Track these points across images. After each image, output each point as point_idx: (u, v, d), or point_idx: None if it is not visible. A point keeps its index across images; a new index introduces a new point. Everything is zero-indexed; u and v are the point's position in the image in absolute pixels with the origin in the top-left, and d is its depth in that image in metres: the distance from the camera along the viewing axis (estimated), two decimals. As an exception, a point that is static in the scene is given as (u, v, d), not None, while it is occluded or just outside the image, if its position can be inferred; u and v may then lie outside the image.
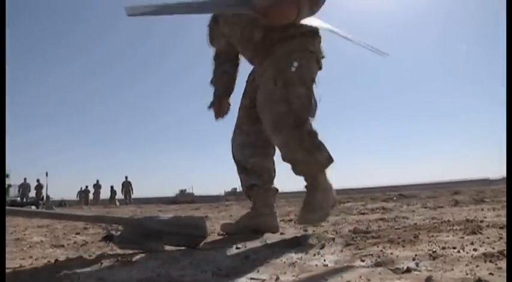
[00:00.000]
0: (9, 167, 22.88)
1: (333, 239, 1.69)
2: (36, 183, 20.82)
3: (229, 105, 2.35)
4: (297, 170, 1.93)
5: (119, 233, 1.72)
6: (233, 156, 2.24)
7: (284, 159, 1.92)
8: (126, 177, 21.57)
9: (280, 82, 1.86)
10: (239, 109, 2.25)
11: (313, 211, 1.86)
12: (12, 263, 1.46)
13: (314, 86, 1.97)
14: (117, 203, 19.78)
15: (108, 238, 1.73)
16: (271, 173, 2.18)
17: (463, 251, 1.26)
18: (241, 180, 2.24)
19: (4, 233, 1.23)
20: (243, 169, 2.19)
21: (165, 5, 1.78)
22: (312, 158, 1.86)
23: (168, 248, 1.65)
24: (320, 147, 1.87)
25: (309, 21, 1.90)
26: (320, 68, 2.03)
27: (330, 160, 1.90)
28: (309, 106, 1.91)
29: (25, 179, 20.82)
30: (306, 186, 1.96)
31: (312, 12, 1.88)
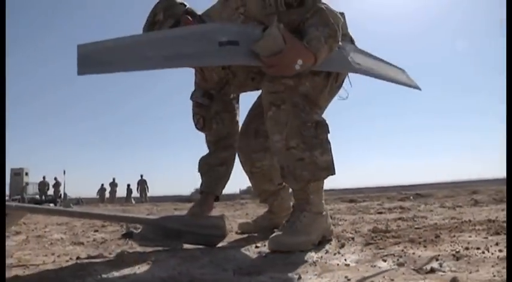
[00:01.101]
0: (28, 165, 23.37)
1: (353, 239, 1.67)
2: (54, 181, 21.16)
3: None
4: (284, 171, 1.59)
5: (139, 230, 1.74)
6: (241, 163, 2.08)
7: (274, 150, 1.62)
8: (142, 176, 21.79)
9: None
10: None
11: (294, 234, 1.48)
12: (36, 259, 1.49)
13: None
14: (133, 201, 19.96)
15: (127, 235, 1.75)
16: None
17: (488, 251, 1.24)
18: (252, 186, 2.19)
19: (4, 233, 1.24)
20: (250, 174, 2.08)
21: (131, 53, 1.27)
22: (308, 154, 1.52)
23: (187, 246, 1.66)
24: (324, 146, 1.56)
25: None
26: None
27: (329, 168, 1.56)
28: (323, 89, 1.63)
29: (44, 177, 21.21)
30: (292, 205, 1.67)
31: (331, 52, 1.50)
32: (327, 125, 1.59)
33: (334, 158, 1.58)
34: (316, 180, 1.57)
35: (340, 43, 1.52)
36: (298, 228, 1.50)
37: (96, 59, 1.20)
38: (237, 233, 2.15)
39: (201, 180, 1.97)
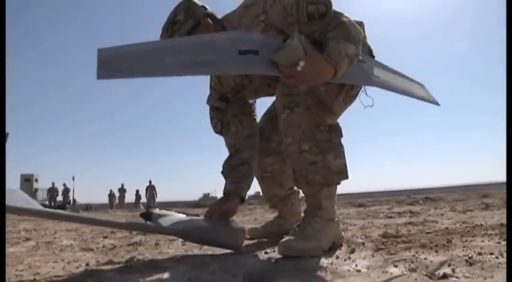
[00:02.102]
0: (37, 171, 23.58)
1: (363, 244, 1.66)
2: (63, 187, 21.31)
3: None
4: (296, 175, 1.59)
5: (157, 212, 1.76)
6: None
7: (287, 154, 1.62)
8: (150, 182, 21.87)
9: None
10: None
11: (305, 239, 1.46)
12: (46, 266, 1.49)
13: None
14: (142, 207, 20.02)
15: (146, 216, 1.74)
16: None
17: (502, 257, 1.22)
18: (262, 190, 2.17)
19: (4, 233, 1.24)
20: (260, 179, 2.06)
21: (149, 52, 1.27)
22: (321, 158, 1.51)
23: (196, 251, 1.66)
24: (337, 149, 1.54)
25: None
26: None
27: (342, 172, 1.55)
28: (337, 95, 1.62)
29: (53, 183, 21.38)
30: (304, 211, 1.65)
31: (351, 66, 1.44)
32: (340, 128, 1.59)
33: (347, 163, 1.57)
34: (328, 185, 1.56)
35: (360, 57, 1.49)
36: (309, 234, 1.49)
37: (115, 63, 1.20)
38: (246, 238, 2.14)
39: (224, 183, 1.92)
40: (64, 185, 21.45)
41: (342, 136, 1.58)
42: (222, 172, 1.92)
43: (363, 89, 1.71)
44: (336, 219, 1.63)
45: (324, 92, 1.55)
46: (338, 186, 1.62)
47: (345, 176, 1.56)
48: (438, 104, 1.95)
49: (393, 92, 1.68)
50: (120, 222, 1.75)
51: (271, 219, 2.22)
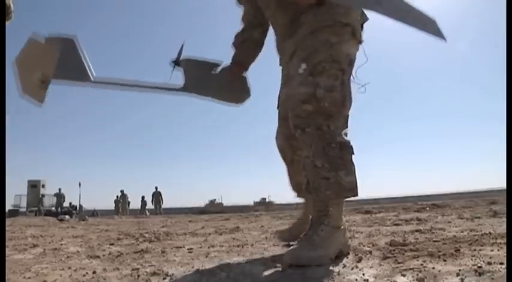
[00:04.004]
0: (44, 178, 23.69)
1: (370, 252, 1.64)
2: (57, 192, 21.48)
3: (245, 77, 2.22)
4: (309, 186, 1.61)
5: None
6: (279, 150, 2.04)
7: (303, 165, 1.65)
8: (156, 188, 21.91)
9: (306, 71, 1.59)
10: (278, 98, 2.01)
11: (312, 247, 1.47)
12: (53, 273, 1.50)
13: (350, 70, 1.67)
14: (148, 213, 20.05)
15: (176, 62, 2.08)
16: None
17: (506, 265, 1.20)
18: (289, 176, 2.07)
19: (4, 233, 1.25)
20: (290, 162, 2.00)
21: None
22: (334, 174, 1.54)
23: (203, 259, 1.65)
24: (348, 167, 1.57)
25: None
26: (360, 43, 1.74)
27: (353, 189, 1.57)
28: (343, 102, 1.61)
29: (59, 189, 21.48)
30: (311, 218, 1.66)
31: None
32: (351, 146, 1.61)
33: (357, 180, 1.59)
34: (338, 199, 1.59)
35: None
36: (315, 242, 1.50)
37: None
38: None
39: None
40: (59, 190, 21.64)
41: (353, 153, 1.60)
42: (232, 44, 2.20)
43: (353, 75, 1.73)
44: (342, 227, 1.62)
45: (330, 105, 1.58)
46: None
47: (355, 193, 1.58)
48: (445, 39, 1.87)
49: (396, 20, 1.60)
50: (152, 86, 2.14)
51: (295, 221, 2.19)
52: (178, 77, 2.18)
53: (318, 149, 1.56)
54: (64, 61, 1.95)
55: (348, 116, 1.72)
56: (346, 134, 1.67)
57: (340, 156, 1.55)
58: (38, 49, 1.97)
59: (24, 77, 2.11)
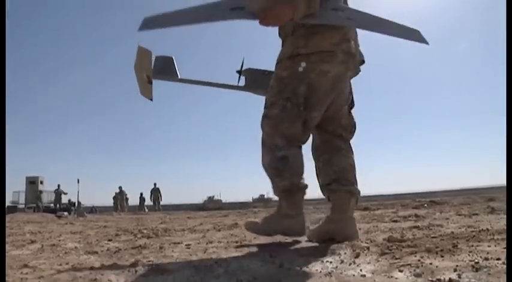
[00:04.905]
0: (43, 174, 23.67)
1: (368, 248, 1.65)
2: (56, 189, 21.41)
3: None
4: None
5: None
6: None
7: None
8: (155, 184, 21.86)
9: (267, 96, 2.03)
10: None
11: (263, 224, 1.98)
12: (50, 269, 1.49)
13: (296, 97, 1.90)
14: (146, 210, 20.04)
15: (239, 71, 3.05)
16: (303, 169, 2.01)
17: (506, 263, 1.20)
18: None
19: (4, 233, 1.25)
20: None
21: (176, 13, 1.92)
22: (273, 179, 1.93)
23: (201, 255, 1.65)
24: (281, 174, 1.89)
25: (322, 16, 1.84)
26: (349, 69, 1.96)
27: (289, 188, 1.88)
28: (275, 127, 1.93)
29: (59, 186, 21.44)
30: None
31: (311, 10, 1.78)
32: (285, 157, 1.90)
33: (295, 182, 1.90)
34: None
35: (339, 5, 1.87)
36: (265, 222, 1.99)
37: (152, 21, 1.85)
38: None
39: None
40: (58, 186, 21.56)
41: (288, 162, 1.91)
42: None
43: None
44: (288, 216, 1.91)
45: (266, 128, 1.97)
46: None
47: (288, 194, 1.92)
48: (426, 43, 1.90)
49: (369, 31, 1.89)
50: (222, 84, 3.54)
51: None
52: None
53: (265, 162, 1.97)
54: (162, 67, 3.36)
55: (292, 133, 1.93)
56: (288, 147, 1.93)
57: (277, 166, 1.91)
58: (143, 55, 3.26)
59: (139, 80, 3.48)
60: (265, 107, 1.99)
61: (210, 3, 1.92)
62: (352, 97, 2.19)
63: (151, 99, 3.39)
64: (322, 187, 2.09)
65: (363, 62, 2.16)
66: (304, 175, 1.96)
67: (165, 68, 3.32)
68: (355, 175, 2.07)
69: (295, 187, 1.90)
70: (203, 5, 1.93)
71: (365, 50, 2.16)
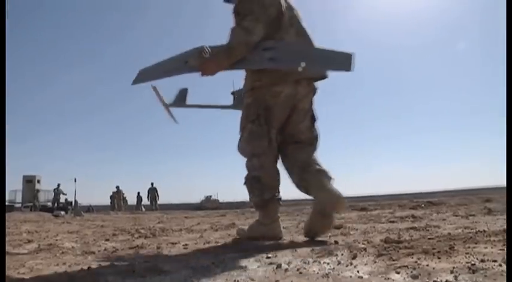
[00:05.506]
0: (40, 173, 23.60)
1: (365, 249, 1.65)
2: (55, 187, 21.31)
3: None
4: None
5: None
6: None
7: None
8: (152, 184, 21.82)
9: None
10: None
11: (248, 231, 2.33)
12: (47, 269, 1.49)
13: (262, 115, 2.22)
14: (143, 209, 20.00)
15: (232, 93, 3.42)
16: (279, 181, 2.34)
17: (505, 264, 1.21)
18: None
19: (4, 233, 1.25)
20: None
21: (155, 67, 2.51)
22: (249, 194, 2.31)
23: (198, 255, 1.65)
24: (253, 191, 2.26)
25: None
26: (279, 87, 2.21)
27: (260, 203, 2.25)
28: (247, 147, 2.27)
29: (58, 185, 21.36)
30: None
31: (232, 59, 2.14)
32: (257, 177, 2.24)
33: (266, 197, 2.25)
34: None
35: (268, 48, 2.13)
36: (249, 229, 2.34)
37: (142, 75, 2.55)
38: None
39: None
40: (58, 184, 21.47)
41: (259, 181, 2.26)
42: None
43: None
44: (265, 224, 2.26)
45: (241, 150, 2.34)
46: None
47: (261, 208, 2.29)
48: (350, 70, 1.92)
49: (290, 67, 2.12)
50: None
51: None
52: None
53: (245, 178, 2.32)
54: (179, 96, 8.20)
55: (262, 150, 2.23)
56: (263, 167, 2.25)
57: (250, 185, 2.28)
58: (155, 92, 7.55)
59: (163, 109, 8.12)
60: (239, 132, 2.34)
61: (175, 56, 2.41)
62: (313, 112, 2.38)
63: (176, 122, 5.44)
64: (298, 187, 2.26)
65: (324, 77, 2.33)
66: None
67: (179, 97, 5.33)
68: (319, 164, 2.27)
69: (265, 202, 2.25)
70: (172, 58, 2.42)
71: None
